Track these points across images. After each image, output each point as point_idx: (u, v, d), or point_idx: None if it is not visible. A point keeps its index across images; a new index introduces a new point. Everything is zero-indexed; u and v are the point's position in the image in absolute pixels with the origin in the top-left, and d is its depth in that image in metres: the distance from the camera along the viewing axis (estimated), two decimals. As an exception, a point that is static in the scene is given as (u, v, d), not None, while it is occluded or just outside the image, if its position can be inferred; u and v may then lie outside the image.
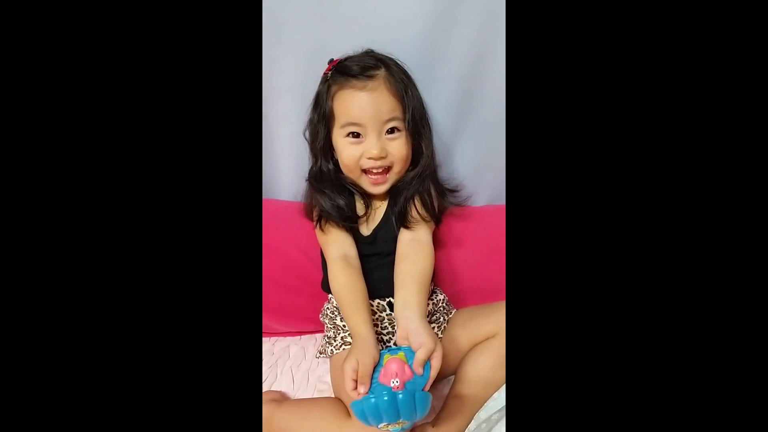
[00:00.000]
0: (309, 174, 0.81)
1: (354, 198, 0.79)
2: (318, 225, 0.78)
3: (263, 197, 0.94)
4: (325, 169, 0.78)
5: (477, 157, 0.92)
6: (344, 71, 0.72)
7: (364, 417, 0.57)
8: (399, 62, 0.75)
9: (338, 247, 0.76)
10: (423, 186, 0.78)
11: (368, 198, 0.79)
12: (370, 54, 0.75)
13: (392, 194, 0.79)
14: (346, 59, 0.74)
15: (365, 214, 0.79)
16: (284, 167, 0.92)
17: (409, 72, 0.76)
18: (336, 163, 0.78)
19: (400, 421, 0.57)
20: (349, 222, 0.77)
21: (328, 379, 0.77)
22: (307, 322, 0.88)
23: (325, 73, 0.75)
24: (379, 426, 0.57)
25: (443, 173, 0.88)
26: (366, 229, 0.80)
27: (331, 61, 0.75)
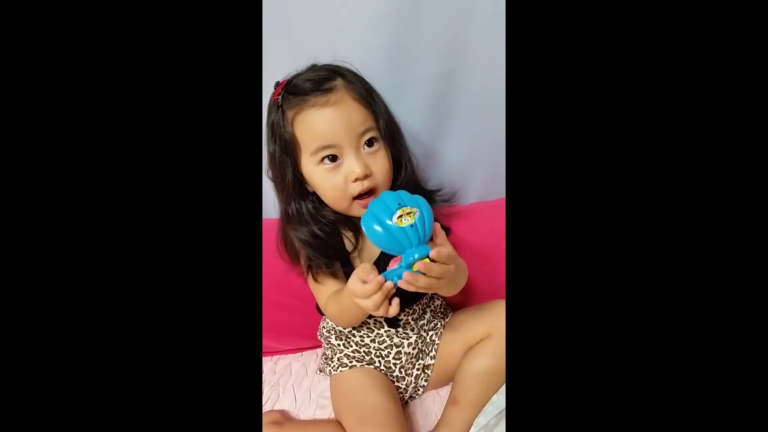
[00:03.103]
0: (284, 218, 0.72)
1: (339, 234, 0.71)
2: (309, 273, 0.71)
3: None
4: (303, 209, 0.68)
5: (462, 156, 0.91)
6: (297, 91, 0.63)
7: (372, 216, 0.56)
8: (352, 68, 0.68)
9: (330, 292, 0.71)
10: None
11: (356, 228, 0.70)
12: (318, 67, 0.67)
13: None
14: (293, 78, 0.66)
15: (355, 248, 0.71)
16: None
17: (376, 76, 0.69)
18: (314, 200, 0.69)
19: (407, 207, 0.55)
20: (341, 259, 0.70)
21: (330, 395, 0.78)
22: (307, 338, 0.89)
23: (274, 99, 0.66)
24: (392, 220, 0.54)
25: (427, 176, 0.87)
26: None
27: (277, 84, 0.67)
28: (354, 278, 0.58)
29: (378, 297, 0.55)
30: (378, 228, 0.55)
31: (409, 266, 0.55)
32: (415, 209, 0.55)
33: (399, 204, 0.55)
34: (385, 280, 0.56)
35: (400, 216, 0.54)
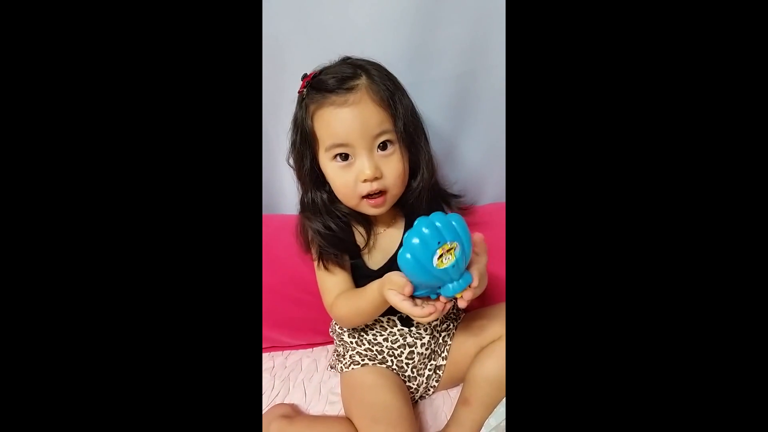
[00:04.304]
0: (300, 206, 0.74)
1: (351, 228, 0.72)
2: (319, 262, 0.72)
3: (267, 213, 0.96)
4: (318, 200, 0.70)
5: (479, 156, 0.92)
6: (320, 87, 0.64)
7: (412, 259, 0.52)
8: (381, 65, 0.68)
9: (338, 289, 0.72)
10: (435, 201, 0.74)
11: (368, 225, 0.73)
12: (347, 62, 0.67)
13: (407, 217, 0.73)
14: (321, 72, 0.66)
15: (366, 245, 0.72)
16: (287, 181, 0.92)
17: (395, 75, 0.69)
18: (329, 192, 0.70)
19: (447, 244, 0.52)
20: (351, 253, 0.72)
21: (340, 391, 0.78)
22: (318, 334, 0.89)
23: (299, 92, 0.67)
24: (433, 263, 0.51)
25: (444, 175, 0.87)
26: (372, 262, 0.73)
27: (305, 76, 0.68)
28: (398, 298, 0.58)
29: (434, 317, 0.58)
30: (419, 271, 0.52)
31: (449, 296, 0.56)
32: (455, 243, 0.52)
33: (438, 242, 0.51)
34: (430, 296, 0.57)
35: (441, 256, 0.51)
